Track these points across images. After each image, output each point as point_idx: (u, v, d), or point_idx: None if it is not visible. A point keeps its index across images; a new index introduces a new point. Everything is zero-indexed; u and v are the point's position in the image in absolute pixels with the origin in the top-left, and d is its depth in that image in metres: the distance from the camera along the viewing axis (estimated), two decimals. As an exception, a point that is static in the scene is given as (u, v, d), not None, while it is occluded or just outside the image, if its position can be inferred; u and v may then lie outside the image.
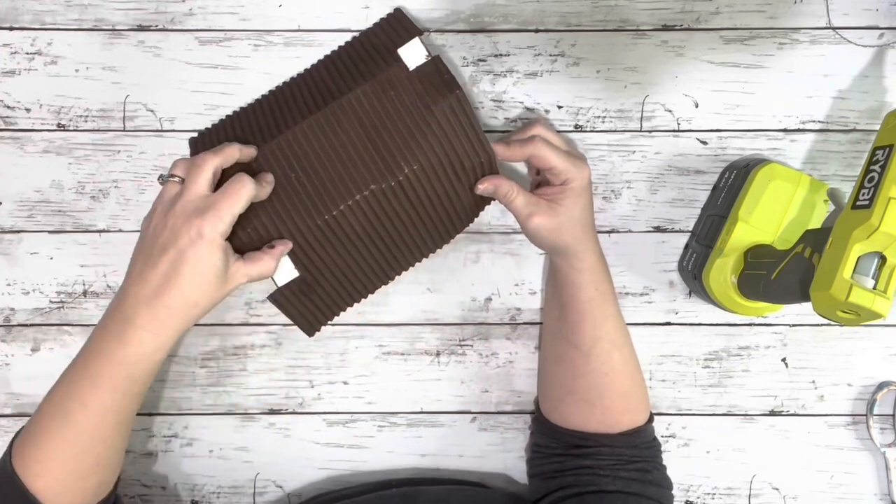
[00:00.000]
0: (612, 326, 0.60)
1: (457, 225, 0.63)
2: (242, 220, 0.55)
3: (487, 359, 0.67)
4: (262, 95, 0.64)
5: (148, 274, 0.51)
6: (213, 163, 0.53)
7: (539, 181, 0.62)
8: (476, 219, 0.64)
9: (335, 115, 0.57)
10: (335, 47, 0.64)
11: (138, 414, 0.67)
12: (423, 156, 0.56)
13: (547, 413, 0.63)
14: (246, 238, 0.56)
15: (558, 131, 0.66)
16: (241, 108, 0.64)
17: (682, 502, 0.68)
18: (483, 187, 0.58)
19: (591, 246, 0.59)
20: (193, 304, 0.52)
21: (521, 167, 0.66)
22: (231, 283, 0.53)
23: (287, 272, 0.59)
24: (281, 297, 0.60)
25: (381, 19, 0.63)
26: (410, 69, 0.58)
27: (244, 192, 0.52)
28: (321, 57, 0.64)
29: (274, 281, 0.59)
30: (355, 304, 0.65)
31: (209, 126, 0.64)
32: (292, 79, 0.64)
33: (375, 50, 0.60)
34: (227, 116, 0.64)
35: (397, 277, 0.65)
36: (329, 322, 0.64)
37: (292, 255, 0.58)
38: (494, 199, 0.60)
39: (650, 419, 0.62)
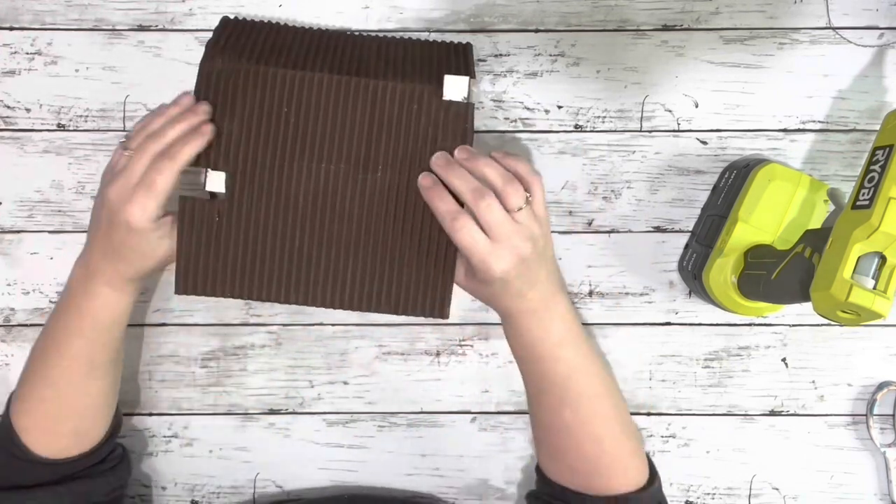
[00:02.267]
0: (554, 385, 0.58)
1: (381, 300, 0.60)
2: (215, 112, 0.56)
3: (487, 359, 0.67)
4: (312, 27, 0.64)
5: (99, 238, 0.57)
6: (170, 173, 0.54)
7: None
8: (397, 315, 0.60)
9: (357, 88, 0.57)
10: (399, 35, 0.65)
11: (139, 413, 0.67)
12: (397, 172, 0.57)
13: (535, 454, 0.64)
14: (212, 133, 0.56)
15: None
16: (288, 25, 0.63)
17: (682, 502, 0.68)
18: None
19: (516, 307, 0.57)
20: (138, 269, 0.57)
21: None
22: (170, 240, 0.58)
23: (216, 183, 0.57)
24: (189, 206, 0.57)
25: (451, 42, 0.64)
26: (443, 98, 0.58)
27: (164, 181, 0.54)
28: (383, 34, 0.64)
29: (203, 187, 0.57)
30: (239, 300, 0.61)
31: (247, 18, 0.63)
32: (346, 33, 0.64)
33: (429, 62, 0.60)
34: (271, 23, 0.63)
35: (295, 308, 0.63)
36: (204, 293, 0.59)
37: (230, 176, 0.57)
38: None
39: (644, 488, 0.59)
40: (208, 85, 0.57)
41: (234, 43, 0.59)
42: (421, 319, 0.66)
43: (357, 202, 0.58)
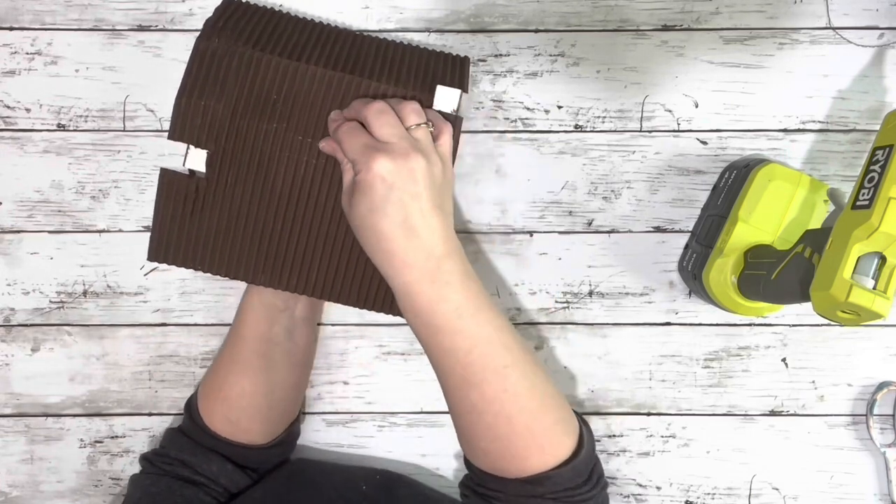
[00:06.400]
0: (456, 364, 0.52)
1: (344, 292, 0.60)
2: (205, 90, 0.56)
3: (487, 359, 0.67)
4: (314, 19, 0.64)
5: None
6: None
7: None
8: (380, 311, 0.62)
9: (348, 86, 0.57)
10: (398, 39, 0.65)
11: (140, 414, 0.67)
12: None
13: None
14: (192, 102, 0.56)
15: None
16: (290, 14, 0.63)
17: (682, 502, 0.68)
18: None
19: (395, 266, 0.51)
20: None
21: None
22: None
23: (197, 161, 0.58)
24: (168, 178, 0.58)
25: (449, 54, 0.63)
26: (433, 108, 0.57)
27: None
28: (386, 36, 0.64)
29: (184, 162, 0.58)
30: (213, 274, 0.61)
31: (250, 2, 0.63)
32: (348, 30, 0.64)
33: (425, 70, 0.60)
34: (273, 10, 0.62)
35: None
36: (174, 263, 0.60)
37: (212, 156, 0.57)
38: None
39: (565, 462, 0.53)
40: (201, 63, 0.57)
41: (234, 25, 0.59)
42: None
43: (333, 199, 0.58)
